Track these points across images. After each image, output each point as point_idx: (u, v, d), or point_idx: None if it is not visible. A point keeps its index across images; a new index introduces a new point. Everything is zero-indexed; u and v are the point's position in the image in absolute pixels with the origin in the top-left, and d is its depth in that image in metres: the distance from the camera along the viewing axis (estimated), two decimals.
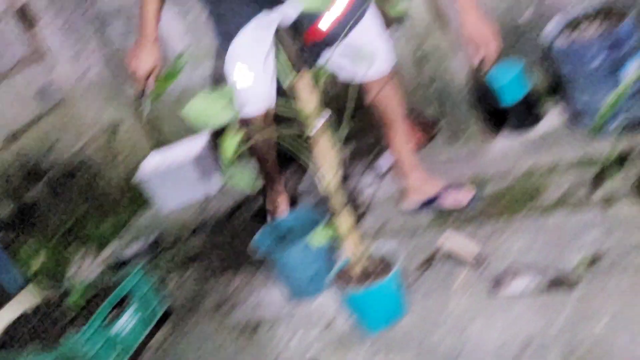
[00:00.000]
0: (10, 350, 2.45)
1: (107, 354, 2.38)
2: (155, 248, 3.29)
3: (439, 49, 2.80)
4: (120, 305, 2.49)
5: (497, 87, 2.79)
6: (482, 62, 2.16)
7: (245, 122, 2.31)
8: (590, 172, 2.39)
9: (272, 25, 2.26)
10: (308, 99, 1.98)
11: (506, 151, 2.78)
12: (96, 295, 2.51)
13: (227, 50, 2.33)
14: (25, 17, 3.70)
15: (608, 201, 2.21)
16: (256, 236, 2.55)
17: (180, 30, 3.56)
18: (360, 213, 2.80)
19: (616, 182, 2.26)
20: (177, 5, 3.49)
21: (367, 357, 2.06)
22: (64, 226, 3.53)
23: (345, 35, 2.15)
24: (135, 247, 3.32)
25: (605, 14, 2.57)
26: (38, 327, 2.50)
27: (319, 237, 2.13)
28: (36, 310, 2.61)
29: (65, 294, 2.59)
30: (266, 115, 2.42)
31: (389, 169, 2.95)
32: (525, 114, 2.82)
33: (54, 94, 3.78)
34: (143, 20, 2.29)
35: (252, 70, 2.24)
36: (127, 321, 2.49)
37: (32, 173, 3.55)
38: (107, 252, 3.47)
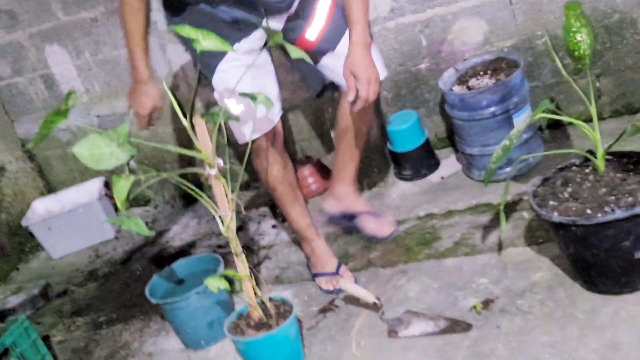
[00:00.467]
0: None
1: None
2: (42, 298, 3.10)
3: None
4: None
5: (396, 134, 2.87)
6: (356, 99, 2.16)
7: (256, 148, 2.26)
8: (485, 217, 2.46)
9: (254, 49, 2.21)
10: (204, 142, 1.94)
11: (406, 195, 2.83)
12: None
13: (211, 81, 2.25)
14: None
15: (500, 246, 2.28)
16: (151, 282, 2.46)
17: (73, 71, 3.47)
18: (260, 259, 2.75)
19: (508, 228, 2.33)
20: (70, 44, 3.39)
21: None
22: None
23: (337, 41, 2.21)
24: (19, 297, 3.11)
25: (497, 65, 2.69)
26: None
27: (215, 283, 2.05)
28: None
29: None
30: (273, 134, 2.31)
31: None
32: (424, 159, 2.90)
33: None
34: (132, 62, 2.19)
35: (241, 102, 2.15)
36: None
37: None
38: None
